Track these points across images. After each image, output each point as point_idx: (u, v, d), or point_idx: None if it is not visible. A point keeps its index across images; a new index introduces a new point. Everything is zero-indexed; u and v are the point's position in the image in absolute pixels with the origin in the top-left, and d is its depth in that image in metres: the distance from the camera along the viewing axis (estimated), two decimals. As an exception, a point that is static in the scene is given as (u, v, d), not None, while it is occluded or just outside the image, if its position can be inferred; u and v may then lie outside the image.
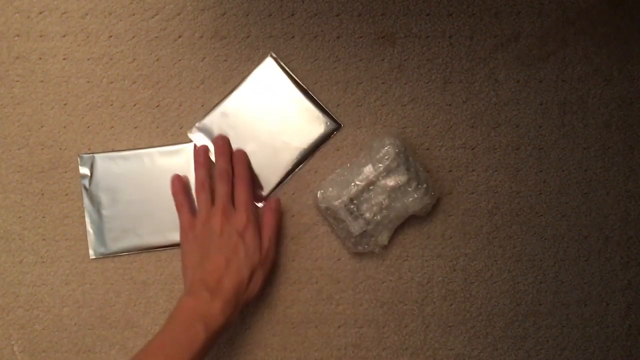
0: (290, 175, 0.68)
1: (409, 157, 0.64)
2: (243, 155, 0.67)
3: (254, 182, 0.67)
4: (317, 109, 0.68)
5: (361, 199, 0.64)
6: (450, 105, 0.69)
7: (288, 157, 0.68)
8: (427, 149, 0.69)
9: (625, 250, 0.69)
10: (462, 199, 0.68)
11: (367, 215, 0.64)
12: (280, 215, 0.67)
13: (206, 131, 0.68)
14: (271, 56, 0.68)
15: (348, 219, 0.64)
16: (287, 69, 0.68)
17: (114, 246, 0.67)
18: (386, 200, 0.64)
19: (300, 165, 0.68)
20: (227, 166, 0.66)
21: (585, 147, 0.69)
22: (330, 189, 0.65)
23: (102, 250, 0.67)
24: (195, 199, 0.66)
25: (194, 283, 0.61)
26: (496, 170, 0.69)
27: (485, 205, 0.69)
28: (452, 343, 0.68)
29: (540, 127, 0.69)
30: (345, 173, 0.65)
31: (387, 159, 0.64)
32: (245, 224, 0.63)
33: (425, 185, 0.64)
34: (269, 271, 0.65)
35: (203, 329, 0.57)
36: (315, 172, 0.68)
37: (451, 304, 0.68)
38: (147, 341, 0.58)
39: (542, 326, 0.68)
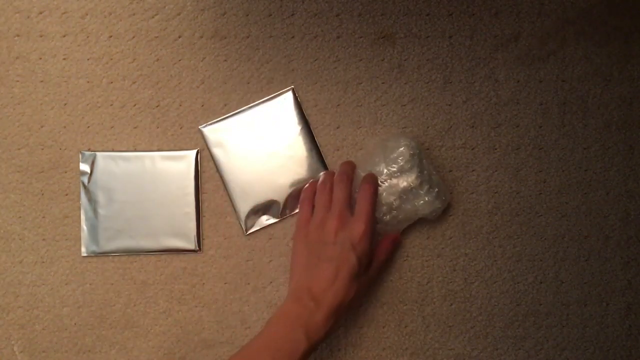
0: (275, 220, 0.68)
1: (423, 160, 0.64)
2: (374, 176, 0.64)
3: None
4: (313, 153, 0.68)
5: (374, 226, 0.64)
6: (450, 105, 0.69)
7: (270, 192, 0.68)
8: (427, 149, 0.69)
9: (625, 250, 0.69)
10: (462, 199, 0.68)
11: (376, 214, 0.64)
12: (396, 249, 0.66)
13: (212, 134, 0.68)
14: (292, 90, 0.68)
15: None
16: (301, 107, 0.68)
17: (107, 246, 0.67)
18: (396, 201, 0.64)
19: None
20: (349, 171, 0.64)
21: (585, 147, 0.69)
22: None
23: (94, 248, 0.67)
24: (315, 199, 0.64)
25: (300, 289, 0.59)
26: (496, 170, 0.69)
27: (485, 205, 0.69)
28: (452, 343, 0.68)
29: (540, 127, 0.69)
30: (358, 170, 0.65)
31: (400, 159, 0.63)
32: (361, 235, 0.59)
33: (437, 190, 0.64)
34: (364, 295, 0.64)
35: (305, 338, 0.55)
36: (315, 172, 0.68)
37: (451, 304, 0.68)
38: (248, 342, 0.57)
39: (542, 326, 0.68)
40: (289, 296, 0.60)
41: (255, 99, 0.68)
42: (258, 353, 0.56)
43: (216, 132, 0.68)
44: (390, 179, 0.64)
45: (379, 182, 0.64)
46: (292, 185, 0.68)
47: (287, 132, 0.68)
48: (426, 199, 0.64)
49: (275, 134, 0.68)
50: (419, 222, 0.68)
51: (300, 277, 0.60)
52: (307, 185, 0.67)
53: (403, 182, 0.63)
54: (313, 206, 0.65)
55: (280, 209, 0.68)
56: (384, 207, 0.64)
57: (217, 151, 0.68)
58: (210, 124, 0.68)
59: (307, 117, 0.68)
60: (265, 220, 0.68)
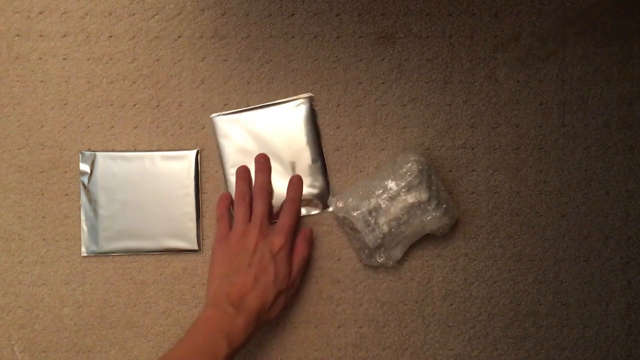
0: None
1: (432, 176, 0.64)
2: (299, 179, 0.66)
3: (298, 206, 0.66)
4: (317, 165, 0.68)
5: (380, 212, 0.64)
6: (450, 105, 0.69)
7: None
8: (427, 149, 0.69)
9: (625, 250, 0.69)
10: (462, 199, 0.68)
11: (384, 228, 0.64)
12: (312, 247, 0.67)
13: (222, 123, 0.68)
14: (309, 99, 0.68)
15: (365, 230, 0.64)
16: (316, 117, 0.68)
17: (107, 246, 0.67)
18: (404, 216, 0.64)
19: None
20: (267, 184, 0.65)
21: (585, 147, 0.69)
22: (350, 199, 0.64)
23: (94, 248, 0.67)
24: (234, 211, 0.65)
25: (219, 296, 0.60)
26: (496, 170, 0.69)
27: (485, 205, 0.69)
28: (452, 343, 0.68)
29: (540, 127, 0.69)
30: (367, 184, 0.65)
31: (409, 175, 0.63)
32: (280, 246, 0.62)
33: (445, 206, 0.64)
34: (291, 298, 0.65)
35: (226, 344, 0.56)
36: (315, 172, 0.68)
37: (451, 304, 0.68)
38: (169, 350, 0.58)
39: (542, 326, 0.68)
40: (207, 303, 0.61)
41: (255, 99, 0.68)
42: None
43: (227, 123, 0.68)
44: (399, 194, 0.64)
45: (389, 197, 0.64)
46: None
47: (296, 139, 0.68)
48: (434, 214, 0.63)
49: (284, 138, 0.68)
50: (419, 222, 0.68)
51: (220, 284, 0.61)
52: (219, 200, 0.67)
53: (411, 198, 0.63)
54: (230, 220, 0.65)
55: (275, 213, 0.67)
56: (392, 222, 0.64)
57: (223, 142, 0.68)
58: (223, 114, 0.68)
59: (319, 128, 0.68)
60: None
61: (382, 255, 0.65)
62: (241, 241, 0.62)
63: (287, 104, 0.68)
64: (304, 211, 0.68)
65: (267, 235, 0.62)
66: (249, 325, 0.58)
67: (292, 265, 0.63)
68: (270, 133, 0.68)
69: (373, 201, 0.64)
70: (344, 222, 0.66)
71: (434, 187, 0.64)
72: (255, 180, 0.66)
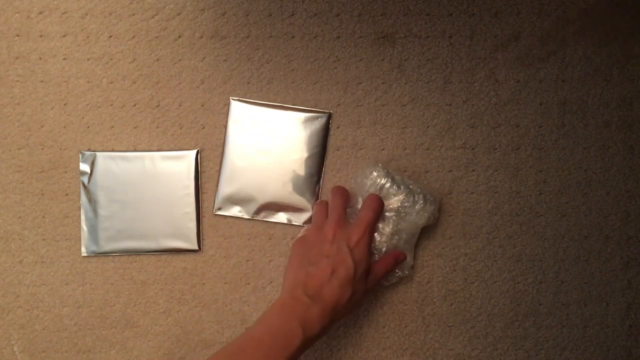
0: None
1: (395, 177, 0.64)
2: (379, 197, 0.64)
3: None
4: (312, 180, 0.68)
5: (372, 235, 0.63)
6: (450, 105, 0.69)
7: (255, 189, 0.68)
8: (427, 149, 0.69)
9: (625, 250, 0.69)
10: (462, 199, 0.68)
11: (384, 248, 0.63)
12: (397, 264, 0.64)
13: (237, 109, 0.68)
14: (329, 115, 0.68)
15: (371, 261, 0.63)
16: (328, 134, 0.68)
17: (107, 246, 0.67)
18: (392, 226, 0.63)
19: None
20: (344, 189, 0.65)
21: (585, 147, 0.69)
22: None
23: (94, 248, 0.67)
24: (313, 212, 0.66)
25: (295, 286, 0.59)
26: (496, 170, 0.69)
27: (485, 205, 0.69)
28: (452, 343, 0.68)
29: (540, 127, 0.69)
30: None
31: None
32: (358, 239, 0.60)
33: (421, 195, 0.64)
34: (359, 302, 0.64)
35: (301, 332, 0.55)
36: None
37: (451, 304, 0.68)
38: (245, 331, 0.57)
39: (542, 326, 0.68)
40: (283, 292, 0.60)
41: (255, 99, 0.68)
42: (255, 342, 0.55)
43: (242, 110, 0.68)
44: None
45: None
46: (276, 196, 0.67)
47: (302, 149, 0.68)
48: (416, 208, 0.64)
49: (291, 143, 0.68)
50: (419, 222, 0.68)
51: (297, 273, 0.60)
52: (321, 204, 0.66)
53: (389, 207, 0.64)
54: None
55: (255, 209, 0.68)
56: (385, 237, 0.63)
57: (232, 127, 0.68)
58: (242, 100, 0.68)
59: (327, 145, 0.68)
60: (237, 211, 0.68)
61: (396, 270, 0.65)
62: (318, 233, 0.62)
63: (305, 113, 0.68)
64: (284, 218, 0.68)
65: (344, 228, 0.61)
66: (324, 316, 0.57)
67: (372, 270, 0.62)
68: (280, 134, 0.68)
69: None
70: None
71: (402, 186, 0.64)
72: (331, 190, 0.66)
